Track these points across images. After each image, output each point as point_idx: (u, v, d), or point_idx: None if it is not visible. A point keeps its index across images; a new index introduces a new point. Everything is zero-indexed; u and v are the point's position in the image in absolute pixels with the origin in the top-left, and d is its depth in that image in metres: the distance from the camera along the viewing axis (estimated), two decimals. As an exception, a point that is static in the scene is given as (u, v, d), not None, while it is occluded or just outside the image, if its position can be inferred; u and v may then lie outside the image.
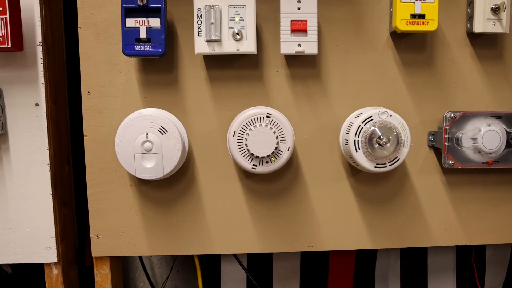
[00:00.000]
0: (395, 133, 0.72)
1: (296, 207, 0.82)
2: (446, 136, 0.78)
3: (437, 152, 0.82)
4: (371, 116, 0.73)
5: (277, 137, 0.71)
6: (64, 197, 0.88)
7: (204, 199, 0.81)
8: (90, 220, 0.81)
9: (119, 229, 0.81)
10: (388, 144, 0.72)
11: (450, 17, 0.80)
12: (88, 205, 0.81)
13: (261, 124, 0.71)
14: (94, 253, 0.81)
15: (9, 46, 0.72)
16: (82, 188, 0.84)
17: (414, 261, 1.01)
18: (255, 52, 0.74)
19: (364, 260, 1.00)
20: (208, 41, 0.73)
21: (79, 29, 0.78)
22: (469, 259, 1.00)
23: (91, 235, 0.81)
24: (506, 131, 0.77)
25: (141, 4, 0.72)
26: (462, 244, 0.84)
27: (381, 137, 0.72)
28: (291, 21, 0.73)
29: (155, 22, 0.72)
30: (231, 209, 0.82)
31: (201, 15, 0.73)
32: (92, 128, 0.79)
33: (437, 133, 0.81)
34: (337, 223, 0.82)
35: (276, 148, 0.71)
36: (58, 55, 0.87)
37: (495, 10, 0.76)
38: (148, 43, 0.73)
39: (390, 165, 0.73)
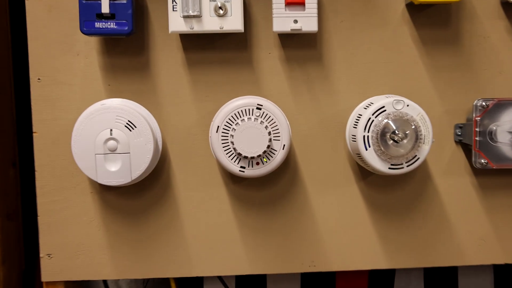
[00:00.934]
0: (413, 127, 0.74)
1: (294, 218, 0.84)
2: (477, 129, 0.80)
3: (466, 149, 0.85)
4: (383, 106, 0.74)
5: (269, 133, 0.73)
6: (8, 207, 0.90)
7: (181, 209, 0.84)
8: (40, 236, 0.83)
9: (76, 247, 0.83)
10: (405, 140, 0.74)
11: (480, -16, 0.83)
12: (38, 217, 0.82)
13: (250, 118, 0.73)
14: (44, 278, 0.83)
15: None
16: (31, 197, 0.86)
17: (441, 284, 1.03)
18: (242, 30, 0.76)
19: (379, 283, 1.02)
20: (185, 17, 0.75)
21: (26, 0, 0.80)
22: (511, 281, 1.03)
23: (41, 255, 0.83)
24: (550, 122, 0.79)
25: (103, -29, 0.73)
26: (500, 262, 0.87)
27: (396, 132, 0.73)
28: (286, -9, 0.75)
29: (120, -6, 0.75)
30: (214, 221, 0.84)
31: (176, -16, 0.75)
32: (43, 123, 0.81)
33: (466, 126, 0.83)
34: (344, 238, 0.85)
35: (268, 147, 0.73)
36: (-1, 34, 0.89)
37: (536, -26, 0.77)
38: (112, 19, 0.75)
39: (407, 166, 0.75)
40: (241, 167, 0.75)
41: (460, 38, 0.83)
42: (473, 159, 0.82)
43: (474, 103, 0.81)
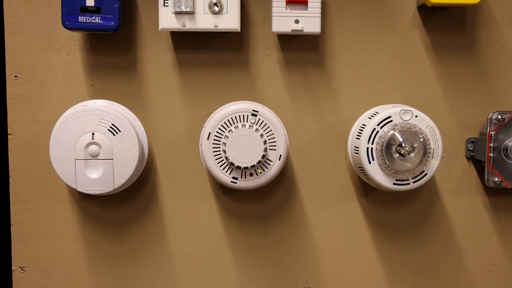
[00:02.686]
0: (421, 140, 0.73)
1: (289, 235, 0.83)
2: (491, 144, 0.79)
3: (478, 165, 0.83)
4: (390, 117, 0.74)
5: (265, 142, 0.72)
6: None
7: (167, 222, 0.82)
8: (13, 248, 0.81)
9: (51, 260, 0.82)
10: (412, 154, 0.73)
11: (497, -13, 0.82)
12: (11, 227, 0.81)
13: (245, 125, 0.72)
14: (18, 292, 0.82)
15: None
16: (4, 205, 0.84)
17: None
18: (239, 30, 0.75)
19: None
20: (176, 13, 0.74)
21: (5, -8, 0.79)
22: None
23: (13, 268, 0.82)
24: None
25: (89, -39, 0.73)
26: (511, 290, 0.86)
27: (403, 145, 0.73)
28: (287, -11, 0.75)
29: (106, -14, 0.74)
30: (203, 236, 0.83)
31: (168, -22, 0.74)
32: (20, 124, 0.80)
33: (479, 141, 0.82)
34: (342, 257, 0.84)
35: (263, 157, 0.72)
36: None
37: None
38: (97, 13, 0.74)
39: (414, 182, 0.74)
40: (233, 178, 0.74)
41: (475, 44, 0.82)
42: (485, 177, 0.81)
43: (489, 116, 0.80)
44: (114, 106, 0.79)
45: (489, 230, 0.84)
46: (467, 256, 0.84)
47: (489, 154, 0.79)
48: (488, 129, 0.79)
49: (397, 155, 0.73)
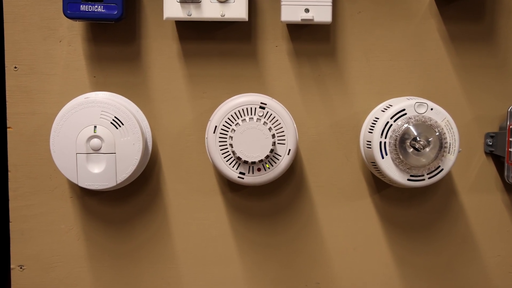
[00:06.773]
0: (437, 134, 0.73)
1: (299, 233, 0.83)
2: None
3: (498, 161, 0.83)
4: (404, 109, 0.74)
5: (273, 136, 0.72)
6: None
7: (172, 220, 0.83)
8: (12, 245, 0.82)
9: (52, 258, 0.83)
10: (427, 149, 0.73)
11: (518, -27, 0.81)
12: (10, 223, 0.82)
13: (252, 118, 0.73)
14: (17, 291, 0.83)
15: None
16: (3, 201, 0.85)
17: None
18: (246, 19, 0.76)
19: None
20: (182, 2, 0.74)
21: (4, -20, 0.80)
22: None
23: (11, 266, 0.82)
24: None
25: None
26: (533, 293, 0.85)
27: (418, 139, 0.73)
28: (297, -24, 0.75)
29: (109, -26, 0.74)
30: (209, 233, 0.83)
31: (173, -35, 0.74)
32: (19, 117, 0.81)
33: (498, 135, 0.82)
34: (354, 257, 0.84)
35: (271, 151, 0.72)
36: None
37: None
38: (100, 2, 0.75)
39: (429, 178, 0.74)
40: (241, 173, 0.74)
41: (494, 34, 0.82)
42: (505, 173, 0.81)
43: (509, 109, 0.80)
44: (116, 98, 0.79)
45: (509, 229, 0.84)
46: (485, 257, 0.84)
47: (509, 149, 0.79)
48: (508, 123, 0.80)
49: (412, 149, 0.73)
